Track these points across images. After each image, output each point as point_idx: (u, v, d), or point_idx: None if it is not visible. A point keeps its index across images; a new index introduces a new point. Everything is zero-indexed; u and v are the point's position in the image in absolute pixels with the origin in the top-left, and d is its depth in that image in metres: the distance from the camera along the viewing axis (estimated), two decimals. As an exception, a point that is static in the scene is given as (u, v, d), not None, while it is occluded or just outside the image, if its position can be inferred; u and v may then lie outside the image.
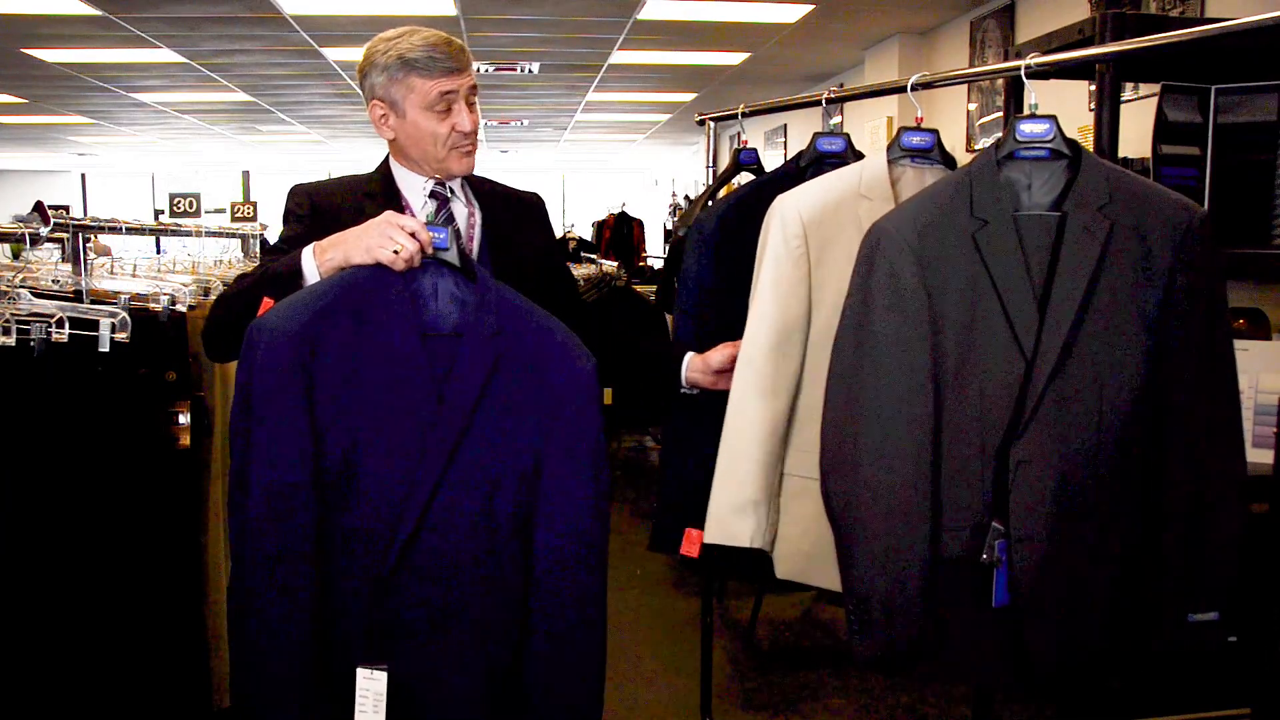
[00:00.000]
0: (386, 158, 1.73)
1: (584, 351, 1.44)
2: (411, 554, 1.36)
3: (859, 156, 1.95)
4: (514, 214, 1.78)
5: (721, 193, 2.38)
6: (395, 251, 1.37)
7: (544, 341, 1.42)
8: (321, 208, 1.65)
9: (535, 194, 1.85)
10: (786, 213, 1.70)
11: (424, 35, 1.61)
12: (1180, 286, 1.39)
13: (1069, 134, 1.47)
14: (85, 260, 2.13)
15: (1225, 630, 1.47)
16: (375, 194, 1.67)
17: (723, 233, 1.99)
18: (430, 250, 1.40)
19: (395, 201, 1.67)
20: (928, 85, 1.85)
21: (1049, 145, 1.45)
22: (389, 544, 1.35)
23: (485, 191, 1.77)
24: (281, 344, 1.32)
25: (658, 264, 7.89)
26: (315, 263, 1.44)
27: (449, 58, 1.61)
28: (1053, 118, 1.46)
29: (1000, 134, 1.49)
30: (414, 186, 1.69)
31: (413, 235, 1.38)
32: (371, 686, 1.35)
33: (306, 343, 1.33)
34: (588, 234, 11.10)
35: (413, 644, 1.37)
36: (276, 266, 1.49)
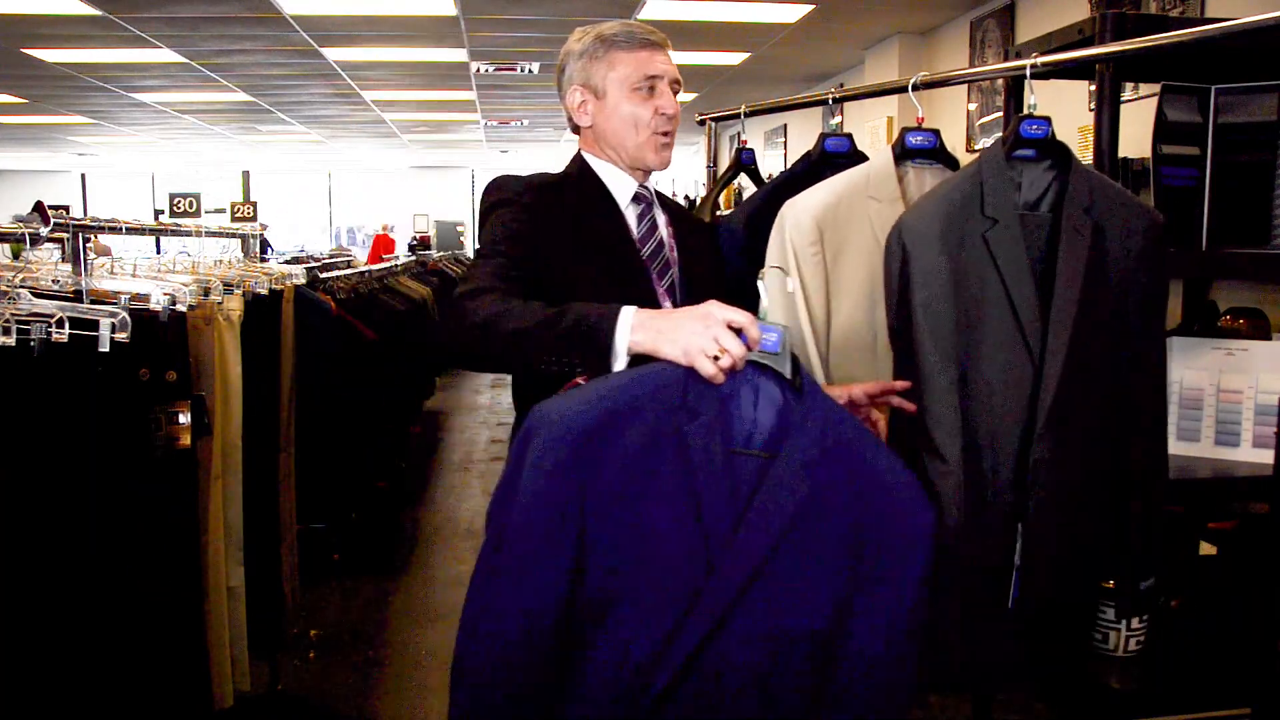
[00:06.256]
0: (578, 155, 1.65)
1: (922, 498, 1.19)
2: (661, 715, 1.12)
3: (864, 157, 1.94)
4: (692, 229, 1.71)
5: (723, 195, 2.38)
6: (716, 357, 1.14)
7: (875, 480, 1.17)
8: (545, 200, 1.53)
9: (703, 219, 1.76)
10: (800, 216, 1.68)
11: (621, 21, 1.58)
12: (1142, 284, 1.46)
13: (1070, 134, 1.48)
14: (85, 260, 2.12)
15: (1160, 593, 1.70)
16: (590, 196, 1.58)
17: (752, 232, 1.95)
18: (756, 350, 1.17)
19: (608, 200, 1.60)
20: (928, 85, 1.85)
21: (1038, 145, 1.47)
22: (637, 697, 1.12)
23: (666, 203, 1.68)
24: (564, 444, 1.11)
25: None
26: (628, 334, 1.21)
27: (648, 33, 1.57)
28: (1048, 119, 1.47)
29: (1000, 134, 1.49)
30: (621, 185, 1.61)
31: (738, 333, 1.16)
32: None
33: (590, 444, 1.11)
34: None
35: None
36: (585, 316, 1.24)
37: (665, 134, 1.59)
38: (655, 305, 1.50)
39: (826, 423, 1.16)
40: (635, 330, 1.20)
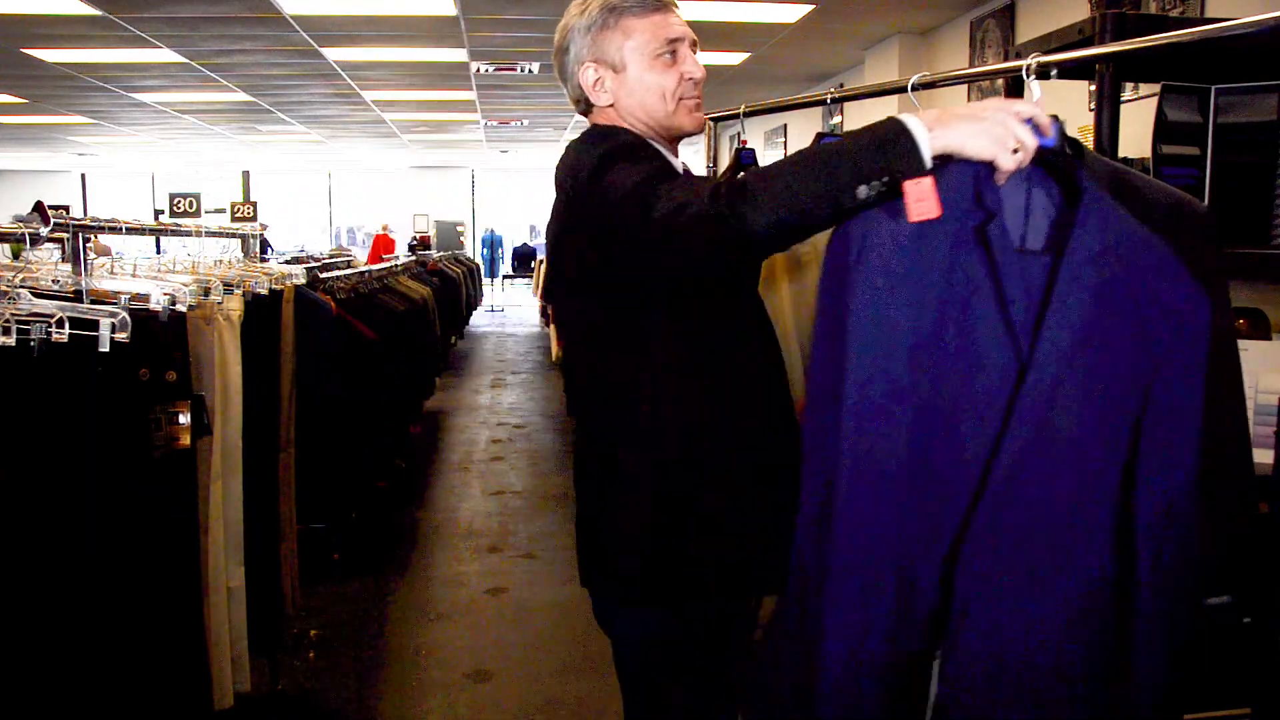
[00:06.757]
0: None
1: (1198, 287, 1.17)
2: (984, 515, 1.14)
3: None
4: None
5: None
6: (1015, 150, 1.11)
7: (1156, 271, 1.16)
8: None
9: None
10: None
11: None
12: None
13: (1069, 134, 1.47)
14: (85, 260, 2.12)
15: (1239, 612, 1.61)
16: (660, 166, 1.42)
17: None
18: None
19: (672, 167, 1.47)
20: (928, 85, 1.85)
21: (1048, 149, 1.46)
22: (958, 500, 1.15)
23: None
24: (890, 250, 1.12)
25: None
26: (927, 136, 1.12)
27: None
28: (1055, 118, 1.46)
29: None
30: (670, 159, 1.50)
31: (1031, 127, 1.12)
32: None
33: (910, 254, 1.12)
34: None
35: (975, 630, 1.17)
36: (875, 133, 1.13)
37: (695, 98, 1.48)
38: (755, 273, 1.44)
39: (1105, 217, 1.14)
40: (930, 128, 1.13)
